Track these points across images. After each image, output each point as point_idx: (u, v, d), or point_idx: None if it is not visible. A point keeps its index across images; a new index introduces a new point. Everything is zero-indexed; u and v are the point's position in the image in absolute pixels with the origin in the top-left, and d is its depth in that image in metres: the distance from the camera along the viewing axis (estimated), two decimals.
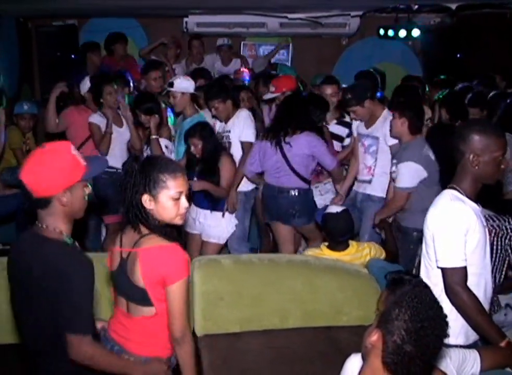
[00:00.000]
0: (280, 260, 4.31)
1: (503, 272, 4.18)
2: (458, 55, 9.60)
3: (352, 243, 4.44)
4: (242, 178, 5.67)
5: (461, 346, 2.98)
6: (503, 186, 5.19)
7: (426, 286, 2.34)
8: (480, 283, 3.11)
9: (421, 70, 9.95)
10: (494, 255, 4.10)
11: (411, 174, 4.82)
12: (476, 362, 2.78)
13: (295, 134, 5.35)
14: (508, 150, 5.07)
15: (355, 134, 5.81)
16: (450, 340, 2.93)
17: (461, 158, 3.03)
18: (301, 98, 5.79)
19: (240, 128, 5.76)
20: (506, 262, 4.17)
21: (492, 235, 4.10)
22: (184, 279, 2.71)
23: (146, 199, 2.72)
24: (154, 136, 5.81)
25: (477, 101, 5.99)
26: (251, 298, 4.08)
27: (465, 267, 2.97)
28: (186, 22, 9.44)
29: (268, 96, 6.41)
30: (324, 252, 4.39)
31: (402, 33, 8.76)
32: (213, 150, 5.28)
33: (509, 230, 4.12)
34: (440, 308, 2.06)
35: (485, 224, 3.10)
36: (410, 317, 1.99)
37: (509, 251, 4.14)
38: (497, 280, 4.14)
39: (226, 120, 5.85)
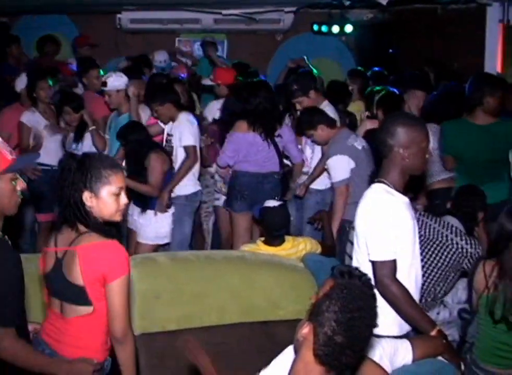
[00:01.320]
0: (217, 256, 4.30)
1: (445, 286, 4.23)
2: (391, 50, 9.77)
3: (288, 238, 4.47)
4: (181, 180, 5.61)
5: (394, 337, 3.02)
6: (426, 177, 5.31)
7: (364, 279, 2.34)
8: (411, 274, 3.16)
9: (354, 65, 10.08)
10: (439, 265, 4.18)
11: (341, 166, 4.90)
12: (408, 352, 2.82)
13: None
14: (431, 141, 5.29)
15: None
16: (384, 331, 2.98)
17: (388, 152, 3.04)
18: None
19: (179, 133, 5.69)
20: (450, 278, 4.22)
21: (438, 244, 4.18)
22: (125, 276, 2.69)
23: (87, 196, 2.69)
24: (92, 128, 5.76)
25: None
26: (188, 296, 4.05)
27: (394, 260, 3.01)
28: (119, 19, 9.34)
29: (207, 82, 6.61)
30: (260, 248, 4.41)
31: (336, 29, 8.93)
32: (138, 148, 5.24)
33: (468, 254, 4.16)
34: (370, 299, 2.09)
35: (414, 216, 3.14)
36: (340, 308, 2.02)
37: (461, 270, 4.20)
38: (436, 291, 4.21)
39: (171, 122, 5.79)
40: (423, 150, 3.04)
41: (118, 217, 2.79)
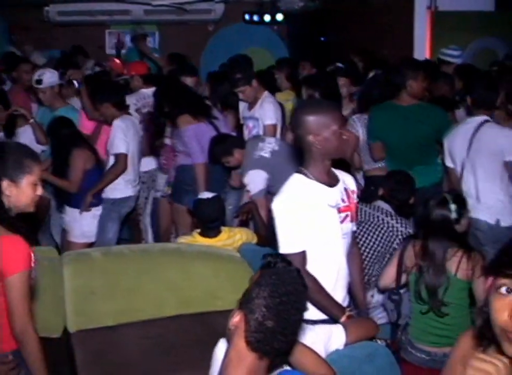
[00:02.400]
0: (152, 249, 4.29)
1: (380, 268, 4.24)
2: (322, 39, 9.85)
3: (224, 229, 4.46)
4: (105, 185, 5.46)
5: (328, 321, 3.05)
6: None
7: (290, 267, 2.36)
8: (330, 263, 3.12)
9: (287, 54, 10.13)
10: (371, 246, 4.23)
11: (254, 179, 4.92)
12: (341, 336, 2.85)
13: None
14: (360, 130, 5.36)
15: (241, 117, 5.85)
16: (318, 316, 3.03)
17: (303, 142, 3.02)
18: None
19: (111, 138, 5.50)
20: (385, 259, 4.23)
21: (370, 224, 4.23)
22: (23, 271, 2.63)
23: (5, 185, 2.63)
24: (31, 121, 5.65)
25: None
26: (124, 290, 4.02)
27: (302, 252, 2.99)
28: (47, 11, 9.15)
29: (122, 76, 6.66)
30: (196, 239, 4.38)
31: (267, 18, 8.92)
32: (61, 145, 5.16)
33: (399, 233, 4.21)
34: (298, 284, 2.11)
35: (334, 204, 3.07)
36: (269, 293, 2.03)
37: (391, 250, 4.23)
38: (371, 274, 4.25)
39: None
40: (336, 133, 2.98)
41: (31, 208, 2.77)
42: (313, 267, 3.00)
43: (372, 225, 4.26)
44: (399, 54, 7.21)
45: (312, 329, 2.75)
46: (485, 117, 4.54)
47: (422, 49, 7.67)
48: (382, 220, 4.24)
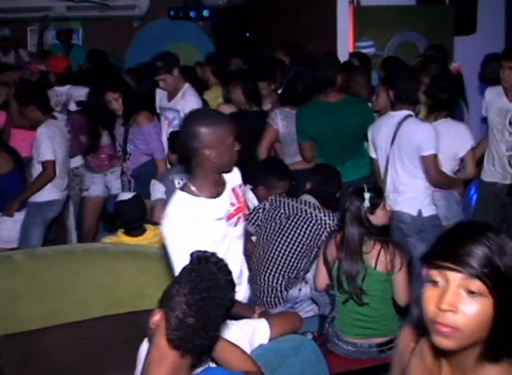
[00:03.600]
0: (77, 249, 4.21)
1: (308, 262, 4.31)
2: (248, 34, 9.88)
3: (150, 227, 4.43)
4: (32, 193, 5.37)
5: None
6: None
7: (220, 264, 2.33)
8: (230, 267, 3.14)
9: (213, 49, 10.12)
10: (299, 240, 4.27)
11: (154, 189, 4.96)
12: (266, 330, 2.87)
13: None
14: (285, 123, 5.43)
15: (157, 107, 5.80)
16: None
17: (194, 154, 2.93)
18: None
19: (37, 147, 5.40)
20: (314, 253, 4.28)
21: (298, 218, 4.27)
22: None
23: None
24: None
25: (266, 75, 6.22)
26: (50, 292, 3.94)
27: None
28: None
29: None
30: (121, 239, 4.35)
31: (192, 14, 8.88)
32: None
33: (327, 226, 4.24)
34: (220, 279, 2.12)
35: (222, 215, 3.04)
36: (189, 290, 2.04)
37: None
38: (300, 268, 4.30)
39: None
40: (230, 146, 2.93)
41: None
42: None
43: (300, 219, 4.30)
44: (323, 49, 7.28)
45: (236, 324, 2.76)
46: (407, 112, 4.64)
47: (346, 44, 7.76)
48: (310, 213, 4.29)
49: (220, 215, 3.02)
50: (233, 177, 3.18)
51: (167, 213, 2.99)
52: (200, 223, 2.94)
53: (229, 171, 3.10)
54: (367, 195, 3.55)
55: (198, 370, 2.28)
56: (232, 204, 3.09)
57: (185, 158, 3.13)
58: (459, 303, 1.45)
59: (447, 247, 1.50)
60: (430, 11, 8.01)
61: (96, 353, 3.69)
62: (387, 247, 3.50)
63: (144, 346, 2.44)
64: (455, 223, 1.61)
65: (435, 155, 4.47)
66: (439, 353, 1.60)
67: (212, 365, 2.45)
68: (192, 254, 2.23)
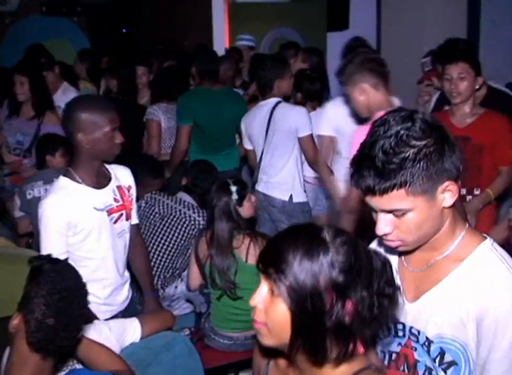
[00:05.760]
0: None
1: (184, 261, 4.31)
2: (125, 30, 9.76)
3: None
4: None
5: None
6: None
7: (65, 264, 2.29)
8: (107, 267, 3.11)
9: (89, 45, 9.93)
10: (174, 240, 4.27)
11: None
12: (136, 329, 2.86)
13: None
14: (162, 117, 5.45)
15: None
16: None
17: (72, 138, 2.91)
18: None
19: None
20: (189, 252, 4.25)
21: (172, 218, 4.26)
22: None
23: None
24: None
25: None
26: None
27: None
28: None
29: None
30: None
31: (65, 9, 8.66)
32: None
33: (200, 226, 4.23)
34: (79, 279, 2.10)
35: (102, 207, 3.01)
36: (48, 291, 2.00)
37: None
38: (175, 267, 4.30)
39: None
40: (107, 135, 2.89)
41: None
42: (88, 269, 2.94)
43: (174, 219, 4.28)
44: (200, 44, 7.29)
45: (105, 324, 2.74)
46: (276, 99, 4.72)
47: (222, 40, 7.83)
48: (184, 213, 4.28)
49: (99, 206, 2.99)
50: (124, 177, 3.17)
51: (47, 199, 2.93)
52: (80, 211, 2.92)
53: (107, 161, 3.06)
54: (233, 188, 3.59)
55: (63, 373, 2.25)
56: (116, 200, 3.07)
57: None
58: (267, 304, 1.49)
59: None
60: (304, 7, 8.21)
61: None
62: (256, 240, 3.55)
63: (7, 353, 2.38)
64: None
65: (311, 135, 4.60)
66: (288, 364, 1.62)
67: (79, 366, 2.42)
68: (29, 262, 2.17)
